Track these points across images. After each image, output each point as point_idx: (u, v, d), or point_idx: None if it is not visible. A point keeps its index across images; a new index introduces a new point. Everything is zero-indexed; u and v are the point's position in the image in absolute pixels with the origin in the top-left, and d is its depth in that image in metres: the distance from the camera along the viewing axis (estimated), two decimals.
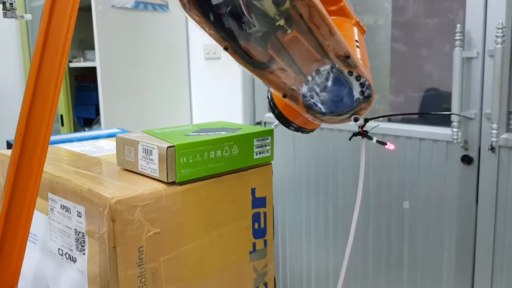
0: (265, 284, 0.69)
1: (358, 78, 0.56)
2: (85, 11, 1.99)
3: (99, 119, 2.35)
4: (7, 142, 1.24)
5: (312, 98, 0.56)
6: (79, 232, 0.57)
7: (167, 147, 0.55)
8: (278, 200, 2.14)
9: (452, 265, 1.62)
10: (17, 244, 0.52)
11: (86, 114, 2.81)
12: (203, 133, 0.63)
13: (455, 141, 1.51)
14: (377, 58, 2.66)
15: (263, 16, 0.50)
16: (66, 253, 0.60)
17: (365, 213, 1.84)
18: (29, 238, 0.69)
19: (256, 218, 0.66)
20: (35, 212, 0.66)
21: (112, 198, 0.51)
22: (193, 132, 0.64)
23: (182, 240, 0.57)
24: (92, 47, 2.16)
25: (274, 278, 0.71)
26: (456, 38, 1.45)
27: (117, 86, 2.12)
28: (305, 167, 2.01)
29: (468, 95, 1.50)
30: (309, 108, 0.56)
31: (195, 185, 0.58)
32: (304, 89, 0.55)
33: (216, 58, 2.23)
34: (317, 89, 0.56)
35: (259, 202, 0.66)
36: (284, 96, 0.56)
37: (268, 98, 0.63)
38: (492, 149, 1.45)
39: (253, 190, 0.65)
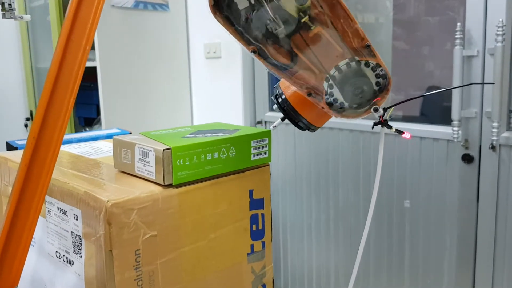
0: (264, 286, 0.69)
1: (374, 69, 0.57)
2: None
3: (100, 119, 2.36)
4: (7, 143, 1.24)
5: (334, 94, 0.58)
6: (76, 235, 0.57)
7: (164, 150, 0.55)
8: (279, 199, 2.14)
9: (453, 263, 1.62)
10: (21, 246, 0.52)
11: (87, 114, 2.82)
12: (200, 135, 0.63)
13: (455, 140, 1.51)
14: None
15: (287, 16, 0.53)
16: (63, 255, 0.60)
17: (366, 211, 1.83)
18: None
19: (254, 219, 0.66)
20: None
21: (108, 201, 0.51)
22: (190, 134, 0.63)
23: (179, 242, 0.57)
24: (92, 47, 2.16)
25: (273, 280, 0.71)
26: (456, 36, 1.45)
27: (117, 85, 2.12)
28: (305, 167, 2.01)
29: (468, 94, 1.49)
30: (332, 104, 0.58)
31: (192, 187, 0.58)
32: (326, 85, 0.57)
33: (217, 57, 2.23)
34: (338, 84, 0.57)
35: (257, 203, 0.66)
36: (309, 95, 0.57)
37: (276, 94, 0.62)
38: (493, 147, 1.44)
39: (250, 192, 0.65)
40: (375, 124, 0.60)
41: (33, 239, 0.68)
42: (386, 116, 0.60)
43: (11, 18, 1.28)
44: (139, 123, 2.20)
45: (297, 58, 0.56)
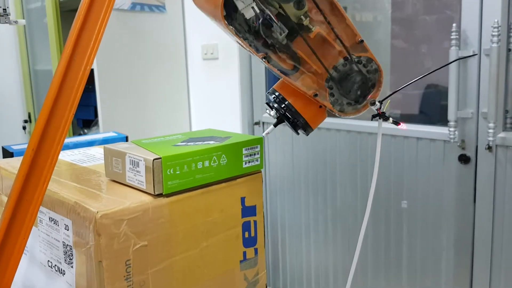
0: None
1: (366, 65, 0.61)
2: None
3: (97, 121, 2.36)
4: (3, 148, 1.24)
5: (334, 94, 0.61)
6: (67, 245, 0.57)
7: (154, 159, 0.55)
8: (277, 200, 2.14)
9: (450, 264, 1.62)
10: (14, 254, 0.52)
11: (85, 116, 2.82)
12: (192, 143, 0.63)
13: (452, 141, 1.51)
14: (377, 55, 2.65)
15: (289, 21, 0.56)
16: (55, 265, 0.60)
17: (364, 212, 1.83)
18: None
19: (246, 227, 0.66)
20: None
21: (97, 212, 0.51)
22: (181, 142, 0.63)
23: (170, 251, 0.57)
24: None
25: (266, 286, 0.71)
26: (452, 37, 1.44)
27: (114, 87, 2.12)
28: (303, 167, 2.01)
29: (464, 94, 1.49)
30: (335, 102, 0.61)
31: (182, 196, 0.58)
32: (327, 84, 0.60)
33: (214, 58, 2.22)
34: (338, 83, 0.60)
35: (249, 211, 0.66)
36: (315, 96, 0.60)
37: (274, 96, 0.63)
38: (489, 148, 1.44)
39: (242, 199, 0.65)
40: (373, 116, 0.63)
41: (26, 248, 0.68)
42: (383, 109, 0.63)
43: (6, 23, 1.28)
44: (137, 124, 2.20)
45: (300, 61, 0.59)
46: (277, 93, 0.62)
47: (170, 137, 0.67)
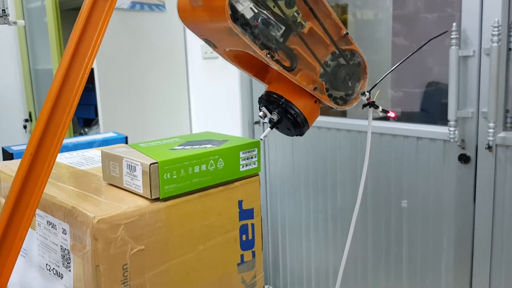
0: None
1: (351, 58, 0.64)
2: None
3: (98, 120, 2.36)
4: (3, 149, 1.24)
5: (328, 88, 0.64)
6: (65, 249, 0.57)
7: (150, 164, 0.55)
8: (277, 199, 2.14)
9: (450, 263, 1.62)
10: (11, 254, 0.53)
11: (85, 115, 2.82)
12: (189, 147, 0.63)
13: (452, 140, 1.50)
14: (378, 52, 2.65)
15: (284, 18, 0.59)
16: (53, 268, 0.60)
17: (364, 212, 1.84)
18: (20, 252, 0.69)
19: (243, 230, 0.66)
20: None
21: (94, 217, 0.51)
22: (178, 146, 0.63)
23: (168, 255, 0.57)
24: None
25: None
26: (452, 36, 1.44)
27: (115, 87, 2.12)
28: (303, 167, 2.01)
29: (464, 94, 1.49)
30: (330, 96, 0.65)
31: (179, 200, 0.58)
32: (322, 78, 0.63)
33: (214, 57, 2.22)
34: (331, 76, 0.64)
35: (246, 214, 0.66)
36: (315, 89, 0.63)
37: (272, 96, 0.64)
38: (489, 148, 1.44)
39: (240, 202, 0.65)
40: (364, 106, 0.67)
41: (24, 251, 0.68)
42: (373, 98, 0.67)
43: (5, 23, 1.28)
44: (137, 123, 2.20)
45: (297, 58, 0.61)
46: (274, 94, 0.64)
47: (167, 141, 0.67)
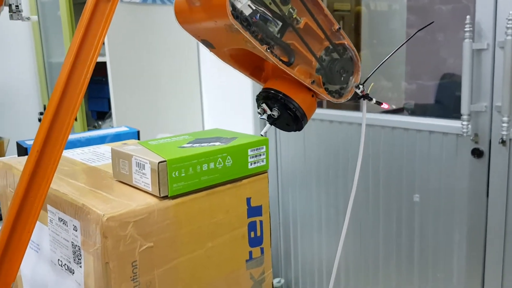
0: None
1: (343, 52, 0.66)
2: None
3: (111, 113, 2.37)
4: (17, 143, 1.26)
5: (325, 83, 0.66)
6: (76, 245, 0.58)
7: (159, 162, 0.56)
8: (289, 192, 2.15)
9: (462, 258, 1.61)
10: (20, 247, 0.55)
11: (99, 108, 2.84)
12: (197, 144, 0.63)
13: (465, 134, 1.49)
14: (392, 44, 2.62)
15: (281, 15, 0.61)
16: (65, 264, 0.62)
17: (375, 206, 1.83)
18: (32, 246, 0.71)
19: (252, 227, 0.66)
20: (38, 222, 0.67)
21: (104, 215, 0.52)
22: (187, 143, 0.64)
23: (176, 252, 0.58)
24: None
25: (272, 284, 0.72)
26: (465, 29, 1.42)
27: (127, 80, 2.14)
28: (315, 160, 2.01)
29: (478, 88, 1.47)
30: (326, 90, 0.66)
31: (188, 198, 0.59)
32: (318, 73, 0.65)
33: None
34: (327, 70, 0.66)
35: (254, 211, 0.66)
36: (313, 83, 0.65)
37: (270, 93, 0.66)
38: (503, 142, 1.42)
39: (248, 200, 0.65)
40: (358, 98, 0.69)
41: (37, 245, 0.69)
42: (367, 90, 0.69)
43: (18, 19, 1.30)
44: (149, 117, 2.21)
45: (294, 54, 0.63)
46: (272, 90, 0.65)
47: (176, 138, 0.67)
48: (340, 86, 0.68)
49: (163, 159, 0.56)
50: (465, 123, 1.47)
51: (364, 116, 0.72)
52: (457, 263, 1.63)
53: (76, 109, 0.53)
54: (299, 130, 0.68)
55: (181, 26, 0.64)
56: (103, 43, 2.10)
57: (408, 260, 1.76)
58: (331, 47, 0.65)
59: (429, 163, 1.64)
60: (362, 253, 1.91)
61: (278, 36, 0.61)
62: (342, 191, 1.94)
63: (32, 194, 0.54)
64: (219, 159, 0.61)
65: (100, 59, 2.33)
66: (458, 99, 1.53)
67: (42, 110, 2.90)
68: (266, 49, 0.60)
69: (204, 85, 2.38)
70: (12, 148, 2.27)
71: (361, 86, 0.68)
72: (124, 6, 2.05)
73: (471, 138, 1.50)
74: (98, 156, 0.78)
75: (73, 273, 0.60)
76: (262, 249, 0.68)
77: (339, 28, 0.64)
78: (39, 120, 2.88)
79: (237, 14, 0.57)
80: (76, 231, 0.58)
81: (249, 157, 0.65)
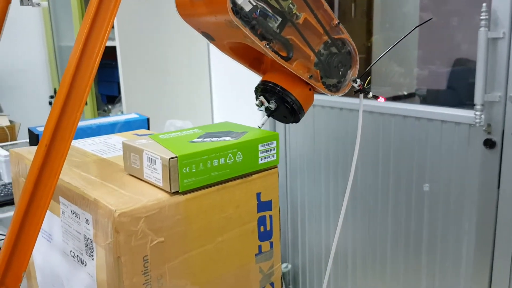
0: (272, 284, 0.70)
1: (342, 47, 0.67)
2: None
3: (121, 97, 2.38)
4: (29, 130, 1.27)
5: (322, 76, 0.66)
6: (88, 238, 0.59)
7: (170, 158, 0.56)
8: (297, 178, 2.15)
9: (471, 248, 1.61)
10: (29, 238, 0.55)
11: (109, 92, 2.84)
12: (208, 139, 0.63)
13: (477, 125, 1.47)
14: (404, 29, 2.58)
15: (281, 10, 0.61)
16: (77, 256, 0.62)
17: (384, 194, 1.83)
18: (44, 236, 0.72)
19: (261, 221, 0.67)
20: (50, 213, 0.68)
21: (115, 210, 0.52)
22: (198, 138, 0.64)
23: (187, 247, 0.59)
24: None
25: (281, 277, 0.72)
26: (481, 18, 1.39)
27: (137, 65, 2.14)
28: (324, 147, 2.00)
29: (493, 77, 1.45)
30: (324, 83, 0.67)
31: (198, 193, 0.59)
32: (316, 67, 0.65)
33: None
34: (325, 64, 0.66)
35: (264, 205, 0.67)
36: (310, 77, 0.65)
37: (268, 85, 0.67)
38: None
39: (258, 195, 0.66)
40: (355, 91, 0.70)
41: (49, 235, 0.70)
42: (365, 85, 0.70)
43: (28, 5, 1.30)
44: (159, 101, 2.22)
45: (292, 47, 0.63)
46: (270, 83, 0.67)
47: (187, 132, 0.67)
48: (337, 80, 0.68)
49: (174, 155, 0.56)
50: (478, 113, 1.45)
51: (361, 109, 0.73)
52: (466, 254, 1.63)
53: (82, 105, 0.53)
54: (296, 122, 0.70)
55: (182, 18, 0.65)
56: (113, 27, 2.09)
57: (416, 249, 1.77)
58: (330, 41, 0.66)
59: (440, 153, 1.63)
60: (370, 241, 1.91)
61: (278, 31, 0.61)
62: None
63: (40, 189, 0.54)
64: (230, 154, 0.61)
65: (110, 44, 2.32)
66: (471, 86, 1.51)
67: (52, 94, 2.92)
68: (265, 44, 0.60)
69: (213, 71, 2.37)
70: (23, 132, 2.29)
71: (358, 80, 0.69)
72: None
73: (484, 128, 1.49)
74: (109, 147, 0.78)
75: (85, 265, 0.61)
76: (271, 243, 0.69)
77: (338, 23, 0.65)
78: (50, 103, 2.90)
79: (237, 9, 0.58)
80: (88, 224, 0.58)
81: (259, 152, 0.64)
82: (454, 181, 1.61)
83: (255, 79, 0.73)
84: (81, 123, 1.41)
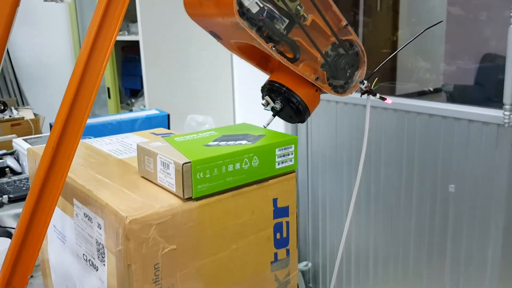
0: None
1: (349, 48, 0.66)
2: None
3: (144, 91, 2.38)
4: (51, 126, 1.28)
5: (329, 78, 0.66)
6: (100, 243, 0.58)
7: (183, 164, 0.54)
8: (318, 175, 2.12)
9: (497, 253, 1.56)
10: (36, 238, 0.55)
11: (132, 85, 2.86)
12: (223, 143, 0.61)
13: (506, 125, 1.42)
14: (430, 23, 2.51)
15: (288, 12, 0.61)
16: (89, 259, 0.62)
17: (408, 194, 1.78)
18: (59, 237, 0.71)
19: (278, 228, 0.65)
20: (64, 214, 0.68)
21: (126, 217, 0.51)
22: (213, 141, 0.62)
23: (199, 254, 0.57)
24: (134, 21, 2.17)
25: (298, 286, 0.70)
26: None
27: (159, 60, 2.13)
28: (347, 144, 1.96)
29: None
30: (331, 85, 0.67)
31: (212, 199, 0.57)
32: (323, 68, 0.65)
33: None
34: (331, 66, 0.65)
35: (281, 212, 0.64)
36: (317, 79, 0.65)
37: (275, 85, 0.67)
38: None
39: (274, 200, 0.63)
40: (362, 93, 0.70)
41: (64, 237, 0.70)
42: (372, 86, 0.69)
43: (52, 1, 1.30)
44: (180, 96, 2.21)
45: (300, 50, 0.63)
46: (277, 84, 0.66)
47: (203, 134, 0.66)
48: (344, 81, 0.68)
49: (187, 160, 0.55)
50: (507, 113, 1.40)
51: (368, 111, 0.72)
52: (492, 258, 1.58)
53: (89, 107, 0.53)
54: (302, 122, 0.69)
55: (190, 17, 0.65)
56: (137, 21, 2.09)
57: (440, 252, 1.72)
58: (337, 43, 0.65)
59: (466, 153, 1.58)
60: (393, 242, 1.87)
61: (285, 33, 0.61)
62: (373, 177, 1.89)
63: (49, 189, 0.54)
64: (245, 159, 0.59)
65: (133, 38, 2.32)
66: (499, 83, 1.45)
67: None
68: (271, 47, 0.60)
69: (235, 66, 2.35)
70: (47, 126, 2.32)
71: (365, 81, 0.68)
72: None
73: None
74: (126, 147, 0.77)
75: (97, 270, 0.60)
76: (288, 251, 0.67)
77: (347, 24, 0.64)
78: None
79: (243, 11, 0.57)
80: (100, 229, 0.57)
81: (276, 157, 0.62)
82: (481, 182, 1.56)
83: None
84: (102, 119, 1.41)
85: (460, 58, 2.34)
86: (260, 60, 0.70)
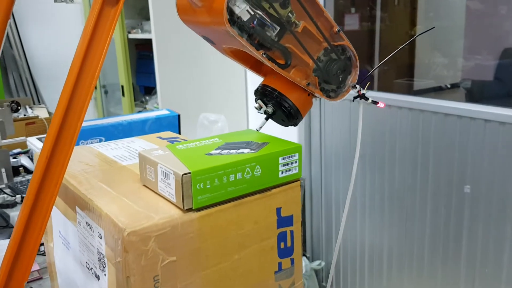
0: None
1: (342, 53, 0.66)
2: None
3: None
4: None
5: (321, 82, 0.66)
6: (100, 253, 0.57)
7: (183, 174, 0.53)
8: (331, 174, 2.10)
9: None
10: (31, 246, 0.55)
11: (146, 83, 2.87)
12: (225, 151, 0.60)
13: None
14: (449, 18, 2.46)
15: (279, 19, 0.60)
16: (91, 268, 0.61)
17: (423, 194, 1.75)
18: (64, 243, 0.71)
19: (282, 237, 0.63)
20: (68, 221, 0.68)
21: (125, 229, 0.51)
22: (215, 149, 0.61)
23: (200, 266, 0.56)
24: (147, 19, 2.17)
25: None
26: None
27: (172, 58, 2.13)
28: (361, 145, 1.94)
29: None
30: (323, 90, 0.67)
31: (213, 210, 0.56)
32: (315, 73, 0.65)
33: None
34: (323, 71, 0.65)
35: (285, 221, 0.63)
36: (308, 84, 0.65)
37: (267, 90, 0.67)
38: None
39: (278, 210, 0.62)
40: (354, 98, 0.70)
41: (68, 244, 0.70)
42: (364, 90, 0.69)
43: (62, 2, 1.30)
44: (193, 94, 2.21)
45: (291, 56, 0.63)
46: (269, 88, 0.66)
47: (206, 141, 0.65)
48: (336, 86, 0.68)
49: (187, 171, 0.54)
50: None
51: (361, 116, 0.71)
52: (508, 260, 1.54)
53: (82, 116, 0.53)
54: (294, 125, 0.69)
55: (182, 21, 0.65)
56: (150, 19, 2.09)
57: (455, 253, 1.69)
58: (329, 48, 0.65)
59: (482, 153, 1.54)
60: (407, 243, 1.85)
61: (276, 39, 0.61)
62: (387, 177, 1.87)
63: (42, 197, 0.55)
64: (247, 168, 0.58)
65: (146, 36, 2.32)
66: None
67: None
68: (262, 54, 0.60)
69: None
70: None
71: (357, 86, 0.68)
72: None
73: None
74: (131, 152, 0.77)
75: (99, 279, 0.59)
76: (292, 260, 0.65)
77: (339, 30, 0.64)
78: None
79: (234, 19, 0.57)
80: (101, 238, 0.57)
81: (280, 165, 0.61)
82: (497, 183, 1.52)
83: None
84: (113, 120, 1.42)
85: (479, 53, 2.29)
86: (254, 63, 0.70)
